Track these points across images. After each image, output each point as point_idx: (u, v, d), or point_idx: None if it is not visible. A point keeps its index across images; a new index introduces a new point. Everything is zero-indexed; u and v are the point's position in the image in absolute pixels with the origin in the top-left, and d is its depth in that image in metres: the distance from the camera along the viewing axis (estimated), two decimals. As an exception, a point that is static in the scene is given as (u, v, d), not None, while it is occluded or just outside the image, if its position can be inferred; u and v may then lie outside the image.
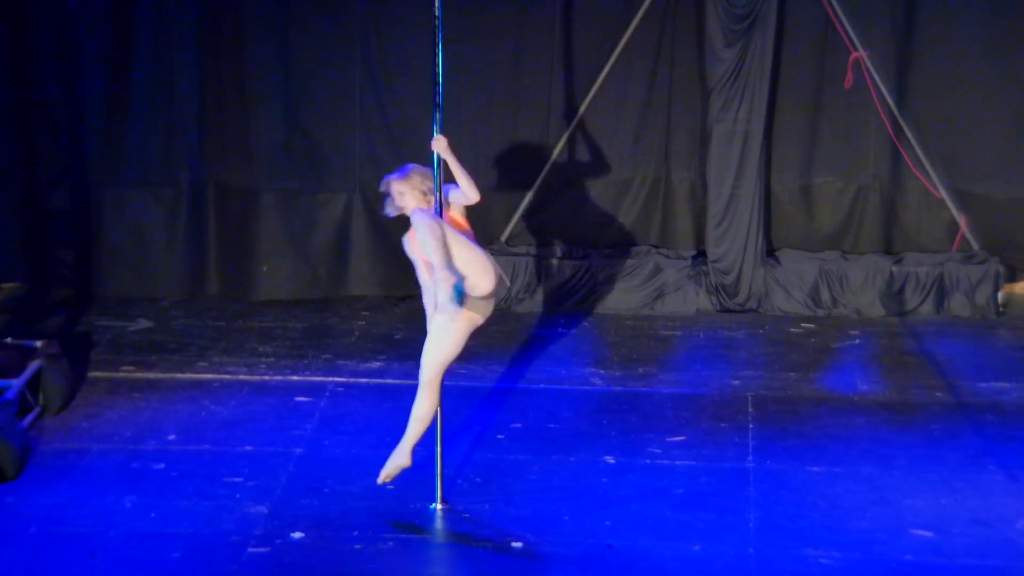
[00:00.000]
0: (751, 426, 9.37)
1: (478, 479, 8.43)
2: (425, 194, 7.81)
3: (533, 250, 11.82)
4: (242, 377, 10.23)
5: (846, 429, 9.31)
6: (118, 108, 11.79)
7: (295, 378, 10.22)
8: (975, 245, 11.83)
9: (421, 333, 10.83)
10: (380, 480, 7.98)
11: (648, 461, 8.84)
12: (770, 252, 11.85)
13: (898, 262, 11.68)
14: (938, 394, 9.93)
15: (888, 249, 11.94)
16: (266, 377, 10.23)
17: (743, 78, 11.39)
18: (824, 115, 11.86)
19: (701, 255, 11.83)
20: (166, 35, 11.69)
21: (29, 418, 9.21)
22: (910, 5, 11.65)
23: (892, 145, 11.79)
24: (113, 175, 11.89)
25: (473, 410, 9.17)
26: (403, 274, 12.00)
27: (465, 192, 7.81)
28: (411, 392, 9.82)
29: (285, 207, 11.89)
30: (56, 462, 8.76)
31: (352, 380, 10.18)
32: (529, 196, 11.97)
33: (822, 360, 10.63)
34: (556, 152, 11.95)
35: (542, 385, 10.01)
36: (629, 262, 11.72)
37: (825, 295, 11.59)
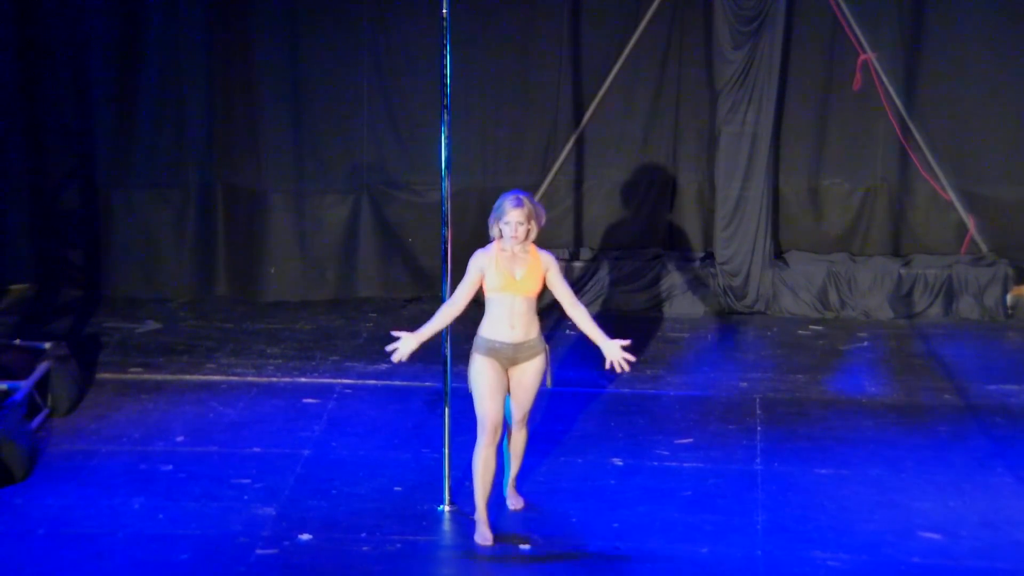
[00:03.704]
0: (759, 428, 9.36)
1: (486, 481, 8.42)
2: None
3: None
4: (250, 379, 10.23)
5: (854, 431, 9.31)
6: (127, 109, 11.80)
7: (303, 380, 10.22)
8: (984, 247, 11.82)
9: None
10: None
11: (656, 463, 8.84)
12: (778, 254, 11.85)
13: (906, 264, 11.67)
14: (946, 396, 9.92)
15: (896, 251, 11.93)
16: (274, 379, 10.24)
17: (751, 80, 11.38)
18: (832, 117, 11.85)
19: (709, 257, 11.82)
20: (175, 37, 11.70)
21: (38, 420, 9.22)
22: (918, 7, 11.64)
23: (900, 147, 11.78)
24: (122, 176, 11.90)
25: (481, 412, 9.17)
26: (410, 276, 12.06)
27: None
28: (419, 393, 9.88)
29: (293, 209, 11.90)
30: (64, 464, 8.77)
31: (360, 382, 10.19)
32: (536, 198, 11.93)
33: (830, 362, 10.62)
34: (564, 154, 11.95)
35: (550, 387, 9.99)
36: (637, 264, 11.71)
37: (833, 297, 11.58)
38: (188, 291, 12.03)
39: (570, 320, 7.90)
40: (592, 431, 9.30)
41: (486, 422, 7.68)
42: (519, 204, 7.57)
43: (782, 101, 11.66)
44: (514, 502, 8.10)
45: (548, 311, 11.52)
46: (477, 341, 7.71)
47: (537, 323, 7.77)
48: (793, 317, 11.56)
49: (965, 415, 9.59)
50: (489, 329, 7.68)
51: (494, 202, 11.81)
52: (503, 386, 7.72)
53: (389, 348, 7.76)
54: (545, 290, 7.78)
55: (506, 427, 7.89)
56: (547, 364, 7.82)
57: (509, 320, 7.65)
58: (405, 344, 7.70)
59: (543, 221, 7.70)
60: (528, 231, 7.61)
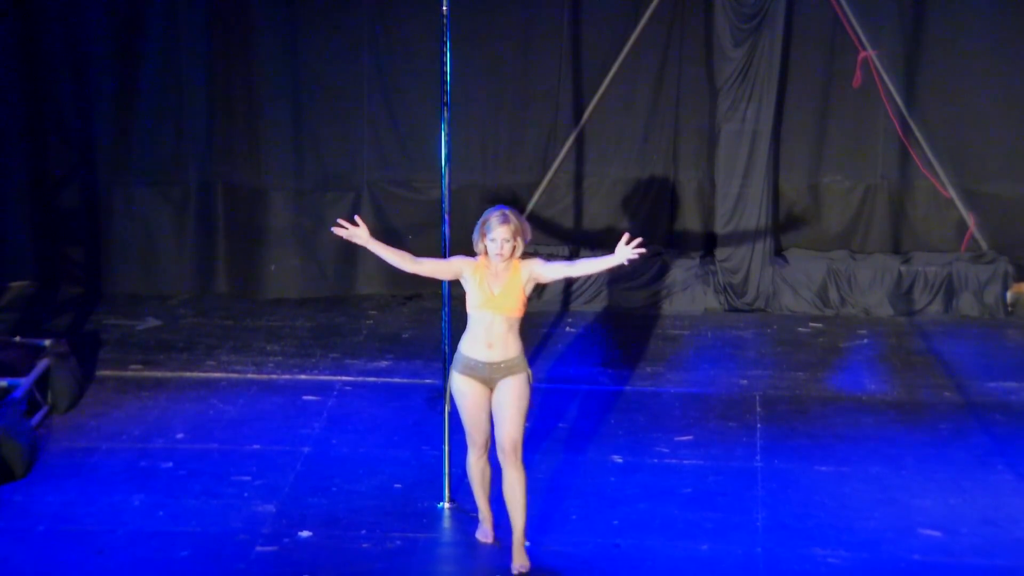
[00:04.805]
0: (759, 425, 9.37)
1: (486, 478, 8.42)
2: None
3: (541, 249, 11.81)
4: (250, 376, 10.23)
5: (854, 429, 9.31)
6: (127, 107, 11.80)
7: (303, 377, 10.22)
8: (984, 244, 11.82)
9: (428, 332, 10.93)
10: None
11: (656, 460, 8.85)
12: (778, 251, 11.84)
13: (906, 262, 11.67)
14: (946, 394, 9.92)
15: (896, 248, 11.93)
16: (274, 376, 10.24)
17: (751, 77, 11.38)
18: (832, 114, 11.84)
19: (709, 254, 11.82)
20: (175, 34, 11.70)
21: (37, 416, 9.23)
22: (919, 4, 11.64)
23: (900, 144, 11.77)
24: (122, 174, 11.89)
25: (481, 409, 9.18)
26: (410, 273, 12.00)
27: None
28: (419, 391, 9.88)
29: (293, 206, 11.90)
30: (64, 460, 8.77)
31: (360, 379, 10.18)
32: (536, 195, 11.97)
33: (830, 360, 10.62)
34: (564, 151, 11.95)
35: (550, 384, 10.00)
36: (637, 261, 11.68)
37: (833, 294, 11.58)
38: (188, 288, 12.02)
39: (585, 278, 7.70)
40: (592, 428, 9.30)
41: (474, 437, 7.61)
42: (505, 220, 7.31)
43: (782, 98, 11.66)
44: (520, 562, 7.50)
45: (548, 312, 11.54)
46: (456, 356, 7.53)
47: (518, 344, 7.44)
48: (793, 314, 11.55)
49: (965, 412, 9.59)
50: (468, 346, 7.47)
51: (494, 200, 11.94)
52: (485, 402, 7.50)
53: (341, 221, 7.56)
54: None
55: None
56: (529, 389, 7.47)
57: (487, 339, 7.40)
58: (358, 234, 7.51)
59: (529, 237, 7.45)
60: (514, 248, 7.37)
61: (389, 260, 7.57)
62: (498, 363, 7.42)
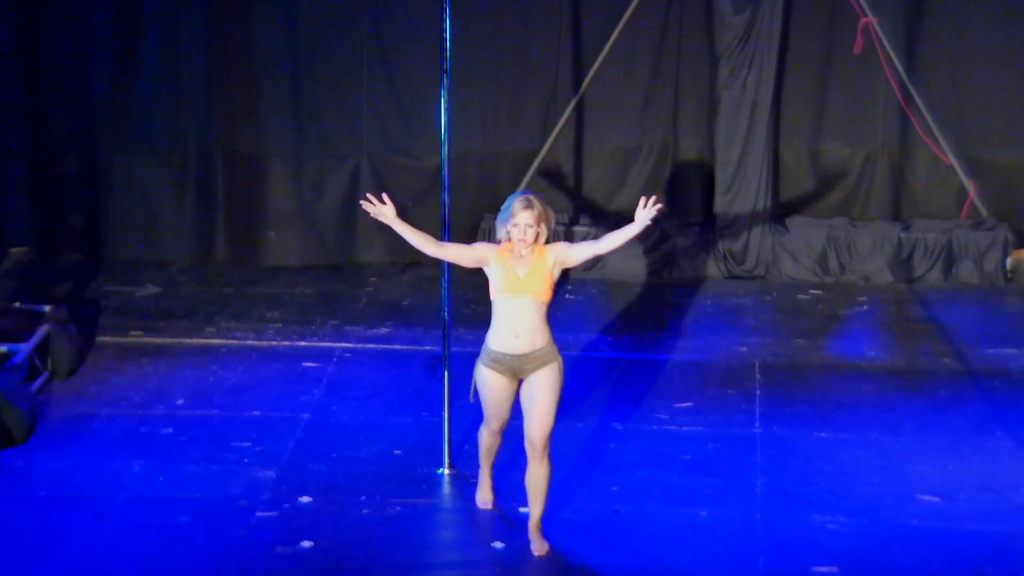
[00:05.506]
0: (758, 392, 9.38)
1: (485, 444, 8.44)
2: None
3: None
4: (250, 343, 10.24)
5: (853, 395, 9.33)
6: (127, 74, 11.77)
7: (303, 344, 10.23)
8: (984, 212, 11.81)
9: (428, 300, 10.93)
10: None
11: (655, 427, 8.86)
12: (778, 219, 11.83)
13: (906, 229, 11.66)
14: (946, 360, 9.93)
15: (896, 216, 11.92)
16: (274, 343, 10.25)
17: (752, 44, 11.35)
18: (833, 81, 11.82)
19: (709, 222, 11.82)
20: (174, 2, 11.66)
21: (37, 382, 9.24)
22: (919, -30, 11.63)
23: (901, 111, 11.75)
24: (122, 140, 11.88)
25: (480, 376, 9.18)
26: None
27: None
28: (418, 357, 9.88)
29: (293, 173, 11.88)
30: (64, 426, 8.79)
31: (360, 346, 10.19)
32: (536, 163, 11.95)
33: (830, 327, 10.63)
34: (563, 119, 11.93)
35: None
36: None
37: (833, 262, 11.58)
38: (188, 255, 12.01)
39: (610, 253, 7.52)
40: (592, 396, 9.31)
41: (492, 421, 7.51)
42: (529, 206, 7.17)
43: (783, 66, 11.63)
44: (538, 546, 7.44)
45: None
46: (483, 350, 7.36)
47: (547, 332, 7.25)
48: (793, 282, 11.55)
49: (964, 379, 9.61)
50: (494, 338, 7.30)
51: (494, 168, 11.94)
52: (509, 395, 7.37)
53: (370, 196, 7.42)
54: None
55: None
56: (561, 378, 7.31)
57: (513, 327, 7.21)
58: (384, 212, 7.37)
59: (553, 224, 7.31)
60: (537, 234, 7.22)
61: (412, 241, 7.39)
62: (528, 354, 7.25)
